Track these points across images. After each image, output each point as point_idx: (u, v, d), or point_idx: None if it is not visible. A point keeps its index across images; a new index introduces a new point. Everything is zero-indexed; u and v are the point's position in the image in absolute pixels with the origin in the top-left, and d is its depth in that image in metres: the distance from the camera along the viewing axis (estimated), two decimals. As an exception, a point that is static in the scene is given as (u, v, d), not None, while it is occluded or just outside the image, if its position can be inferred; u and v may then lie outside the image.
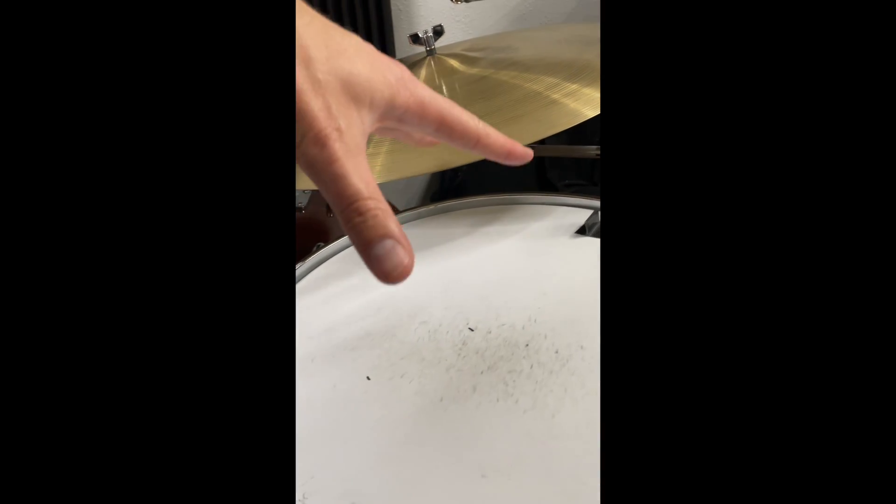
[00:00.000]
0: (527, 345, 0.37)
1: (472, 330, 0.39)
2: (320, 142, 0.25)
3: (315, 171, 0.25)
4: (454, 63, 0.60)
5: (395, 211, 0.59)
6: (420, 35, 0.58)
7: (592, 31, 0.64)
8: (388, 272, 0.25)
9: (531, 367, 0.35)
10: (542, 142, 0.69)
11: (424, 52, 0.62)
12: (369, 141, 0.52)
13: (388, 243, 0.25)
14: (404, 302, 0.43)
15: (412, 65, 0.62)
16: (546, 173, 1.20)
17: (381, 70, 0.28)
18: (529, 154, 0.34)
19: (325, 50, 0.26)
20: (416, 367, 0.37)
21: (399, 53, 1.07)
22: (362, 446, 0.32)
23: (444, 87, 0.57)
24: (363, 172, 0.26)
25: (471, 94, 0.55)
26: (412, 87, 0.29)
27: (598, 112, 0.47)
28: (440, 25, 0.59)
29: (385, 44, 1.04)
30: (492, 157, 0.33)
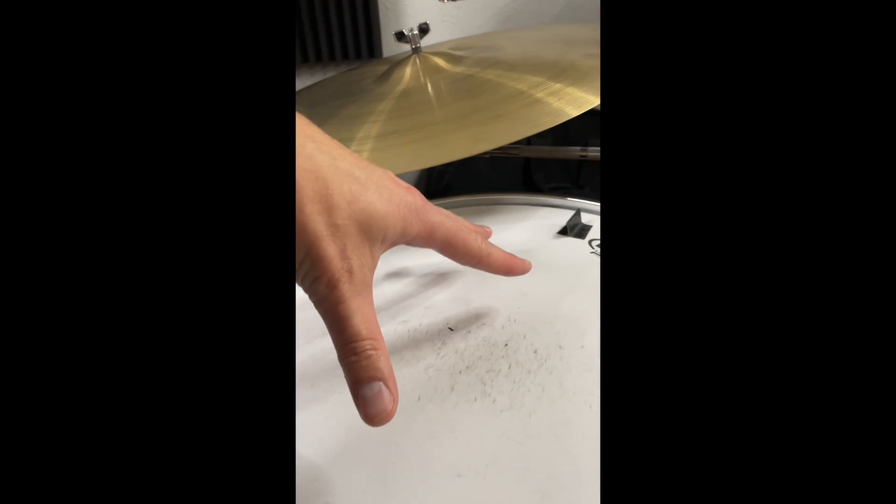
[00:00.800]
0: (506, 344, 0.37)
1: (451, 329, 0.39)
2: (331, 284, 0.27)
3: (323, 309, 0.28)
4: (439, 61, 0.60)
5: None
6: (405, 33, 0.58)
7: (577, 32, 0.64)
8: (372, 416, 0.27)
9: (509, 366, 0.35)
10: (528, 142, 0.70)
11: (410, 50, 0.62)
12: (354, 137, 0.51)
13: (376, 386, 0.27)
14: (385, 302, 0.43)
15: (398, 63, 0.61)
16: (532, 176, 1.20)
17: (397, 203, 0.30)
18: (528, 267, 0.38)
19: (348, 194, 0.28)
20: (394, 365, 0.36)
21: (386, 51, 1.06)
22: (338, 445, 0.32)
23: (429, 85, 0.57)
24: (366, 311, 0.28)
25: (455, 91, 0.55)
26: (423, 216, 0.32)
27: (581, 111, 0.47)
28: (426, 23, 0.58)
29: (372, 42, 1.03)
30: (492, 273, 0.37)
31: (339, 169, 0.28)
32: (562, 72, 0.53)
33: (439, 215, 0.33)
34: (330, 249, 0.27)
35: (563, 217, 0.51)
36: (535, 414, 0.32)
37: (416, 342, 0.38)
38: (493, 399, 0.33)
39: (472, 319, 0.40)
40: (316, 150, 0.28)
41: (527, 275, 0.44)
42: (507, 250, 0.48)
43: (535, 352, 0.36)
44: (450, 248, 0.34)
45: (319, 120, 0.57)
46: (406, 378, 0.35)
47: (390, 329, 0.40)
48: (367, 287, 0.29)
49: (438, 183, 1.19)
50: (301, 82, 1.08)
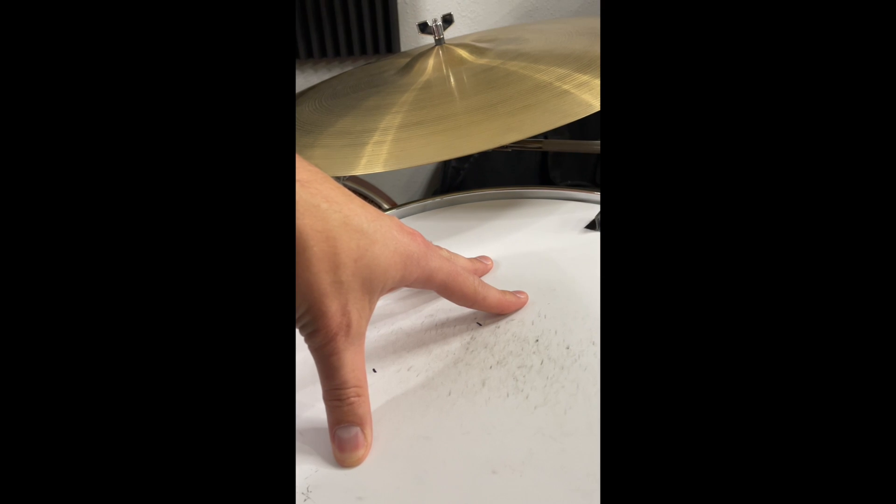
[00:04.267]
0: (536, 340, 0.36)
1: (479, 324, 0.38)
2: (328, 338, 0.30)
3: (317, 357, 0.31)
4: (462, 53, 0.59)
5: (394, 205, 0.57)
6: (429, 23, 0.57)
7: (604, 24, 0.63)
8: (343, 459, 0.30)
9: (541, 362, 0.34)
10: (545, 136, 0.68)
11: (433, 42, 0.61)
12: (377, 128, 0.50)
13: (353, 430, 0.30)
14: (410, 295, 0.42)
15: (420, 55, 0.60)
16: (548, 172, 1.19)
17: (401, 253, 0.32)
18: (523, 302, 0.39)
19: (355, 251, 0.30)
20: (423, 361, 0.36)
21: (404, 46, 1.05)
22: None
23: (451, 77, 0.56)
24: (356, 362, 0.31)
25: (478, 83, 0.54)
26: (423, 263, 0.34)
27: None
28: (449, 14, 0.57)
29: (390, 36, 1.03)
30: (488, 312, 0.39)
31: (349, 226, 0.30)
32: (589, 63, 0.52)
33: (438, 260, 0.35)
34: (332, 306, 0.29)
35: (588, 211, 0.50)
36: (570, 411, 0.31)
37: (444, 336, 0.37)
38: (527, 395, 0.32)
39: (501, 314, 0.39)
40: (329, 209, 0.30)
41: (557, 270, 0.43)
42: (534, 245, 0.47)
43: (568, 348, 0.35)
44: (447, 291, 0.36)
45: (342, 111, 0.56)
46: (436, 373, 0.35)
47: (416, 322, 0.39)
48: (361, 336, 0.32)
49: (454, 179, 1.18)
50: (318, 77, 1.07)
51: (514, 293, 0.39)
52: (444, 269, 0.35)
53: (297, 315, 0.30)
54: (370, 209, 0.32)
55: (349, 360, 0.30)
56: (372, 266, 0.31)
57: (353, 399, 0.30)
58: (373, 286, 0.31)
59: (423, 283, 0.34)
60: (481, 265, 0.43)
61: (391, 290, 0.33)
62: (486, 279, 0.43)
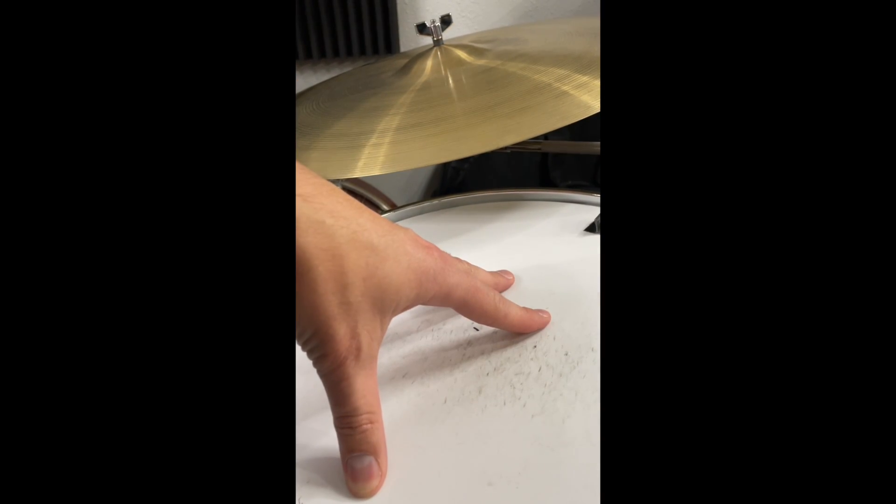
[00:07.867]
0: (534, 346, 0.35)
1: (476, 329, 0.37)
2: (337, 363, 0.28)
3: (326, 382, 0.29)
4: (461, 54, 0.58)
5: (393, 207, 0.57)
6: (427, 24, 0.57)
7: (604, 25, 0.63)
8: (357, 489, 0.28)
9: (539, 369, 0.34)
10: (545, 137, 0.68)
11: (431, 43, 0.60)
12: (375, 130, 0.50)
13: (367, 459, 0.28)
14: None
15: (418, 56, 0.60)
16: (549, 173, 1.18)
17: (415, 269, 0.30)
18: (546, 321, 0.37)
19: (364, 269, 0.28)
20: (418, 367, 0.35)
21: (404, 46, 1.05)
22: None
23: (450, 79, 0.55)
24: (368, 387, 0.29)
25: (477, 84, 0.53)
26: (441, 279, 0.31)
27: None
28: (448, 15, 0.57)
29: (389, 37, 1.02)
30: (510, 331, 0.36)
31: (357, 242, 0.28)
32: (588, 64, 0.51)
33: (456, 276, 0.32)
34: (340, 329, 0.28)
35: (587, 214, 0.50)
36: (568, 419, 0.30)
37: (439, 341, 0.37)
38: (524, 403, 0.31)
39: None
40: (335, 225, 0.28)
41: (555, 273, 0.42)
42: (533, 248, 0.46)
43: (566, 354, 0.34)
44: (466, 309, 0.34)
45: (339, 112, 0.56)
46: (431, 379, 0.34)
47: (412, 327, 0.38)
48: (373, 360, 0.30)
49: (454, 180, 1.18)
50: (317, 77, 1.07)
51: (538, 311, 0.37)
52: (462, 286, 0.33)
53: (303, 339, 0.28)
54: (382, 222, 0.30)
55: (360, 386, 0.29)
56: (383, 285, 0.29)
57: (365, 427, 0.29)
58: (384, 306, 0.29)
59: (441, 300, 0.32)
60: (503, 280, 0.41)
61: (405, 308, 0.31)
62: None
